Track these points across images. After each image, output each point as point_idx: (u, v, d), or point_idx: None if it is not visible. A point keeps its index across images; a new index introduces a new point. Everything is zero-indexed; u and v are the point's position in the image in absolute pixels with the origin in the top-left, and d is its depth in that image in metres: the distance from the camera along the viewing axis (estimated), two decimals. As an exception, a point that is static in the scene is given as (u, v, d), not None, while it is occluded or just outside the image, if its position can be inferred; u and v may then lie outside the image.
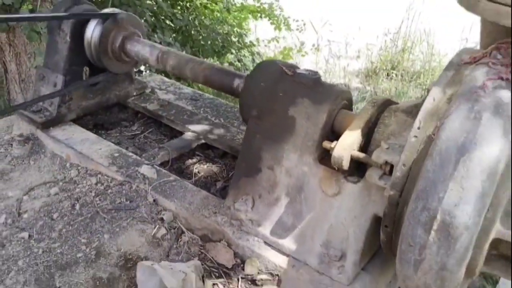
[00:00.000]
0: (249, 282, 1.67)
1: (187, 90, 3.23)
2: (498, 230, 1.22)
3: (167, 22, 5.02)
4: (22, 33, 3.35)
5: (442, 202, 1.13)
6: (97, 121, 2.65)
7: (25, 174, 2.22)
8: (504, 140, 1.08)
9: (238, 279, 1.68)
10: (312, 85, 1.68)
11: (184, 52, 3.32)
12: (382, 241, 1.44)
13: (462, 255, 1.18)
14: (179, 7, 5.55)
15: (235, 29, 5.38)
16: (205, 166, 2.38)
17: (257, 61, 5.47)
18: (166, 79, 3.38)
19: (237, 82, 1.89)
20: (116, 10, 2.30)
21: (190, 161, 2.39)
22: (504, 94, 1.14)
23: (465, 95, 1.17)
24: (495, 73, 1.17)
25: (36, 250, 1.77)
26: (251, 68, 5.54)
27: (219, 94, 3.91)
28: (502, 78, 1.15)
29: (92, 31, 2.19)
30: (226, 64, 5.19)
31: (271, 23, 5.90)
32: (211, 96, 3.24)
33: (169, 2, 5.24)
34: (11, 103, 3.69)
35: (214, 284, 1.65)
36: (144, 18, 4.53)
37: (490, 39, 1.54)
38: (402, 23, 9.19)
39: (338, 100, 1.66)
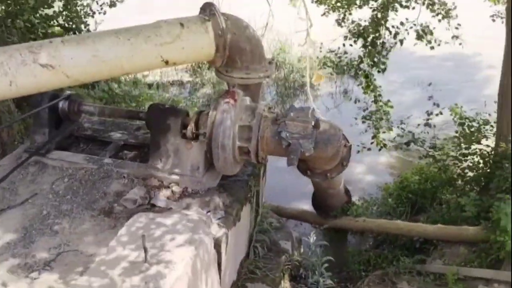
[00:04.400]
0: (168, 188, 4.48)
1: (96, 119, 5.77)
2: (238, 143, 4.25)
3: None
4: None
5: (219, 140, 4.11)
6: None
7: (44, 178, 4.62)
8: (231, 120, 4.09)
9: (164, 187, 4.47)
10: (174, 110, 4.52)
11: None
12: (209, 159, 4.37)
13: (229, 153, 4.19)
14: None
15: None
16: (128, 154, 5.06)
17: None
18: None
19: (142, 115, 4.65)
20: (69, 92, 4.80)
21: (120, 153, 5.06)
22: (226, 106, 4.15)
23: (219, 108, 4.16)
24: (225, 99, 4.18)
25: (78, 200, 4.30)
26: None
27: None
28: (227, 102, 4.16)
29: (63, 103, 4.68)
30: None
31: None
32: (111, 120, 5.83)
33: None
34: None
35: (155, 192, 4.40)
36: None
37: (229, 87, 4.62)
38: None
39: (183, 114, 4.53)
